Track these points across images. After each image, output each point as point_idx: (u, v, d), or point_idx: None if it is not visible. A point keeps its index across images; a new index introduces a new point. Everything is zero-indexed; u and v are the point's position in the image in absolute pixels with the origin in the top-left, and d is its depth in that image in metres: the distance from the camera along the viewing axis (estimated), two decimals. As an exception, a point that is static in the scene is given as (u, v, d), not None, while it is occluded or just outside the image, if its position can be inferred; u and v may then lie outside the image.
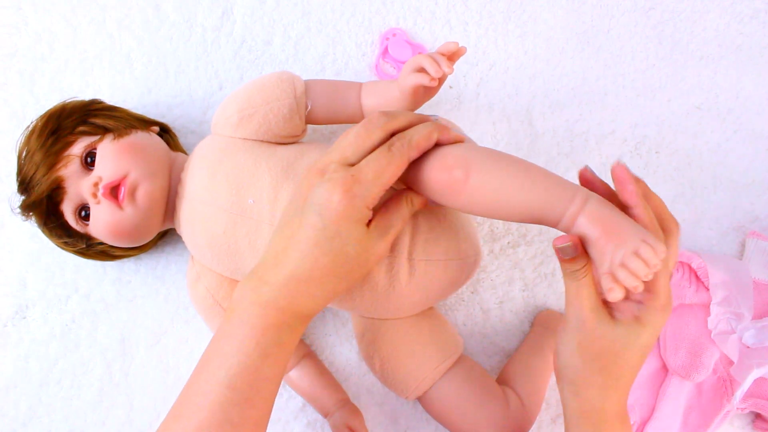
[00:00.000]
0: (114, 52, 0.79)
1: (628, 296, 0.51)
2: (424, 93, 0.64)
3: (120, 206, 0.62)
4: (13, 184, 0.68)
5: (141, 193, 0.63)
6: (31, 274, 0.75)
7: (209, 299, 0.67)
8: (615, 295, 0.48)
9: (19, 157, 0.66)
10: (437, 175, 0.54)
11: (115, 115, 0.68)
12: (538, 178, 0.52)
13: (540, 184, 0.52)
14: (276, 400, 0.74)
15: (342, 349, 0.76)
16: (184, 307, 0.75)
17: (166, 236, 0.76)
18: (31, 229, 0.76)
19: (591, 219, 0.50)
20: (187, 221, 0.65)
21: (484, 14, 0.82)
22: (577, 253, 0.50)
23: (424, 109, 0.77)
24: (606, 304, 0.53)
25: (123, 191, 0.62)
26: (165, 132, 0.73)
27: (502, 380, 0.72)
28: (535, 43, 0.81)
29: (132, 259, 0.76)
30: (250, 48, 0.79)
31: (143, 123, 0.70)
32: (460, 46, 0.62)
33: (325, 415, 0.72)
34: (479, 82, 0.80)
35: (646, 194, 0.53)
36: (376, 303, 0.64)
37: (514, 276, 0.77)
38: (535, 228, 0.78)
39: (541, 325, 0.76)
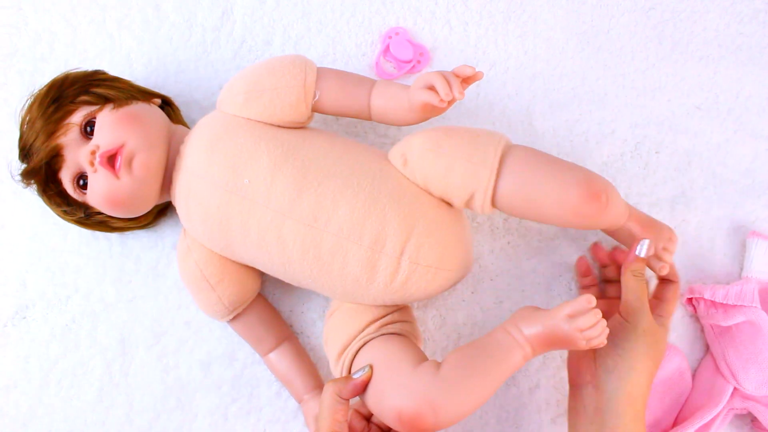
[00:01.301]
0: (114, 52, 0.79)
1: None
2: (432, 110, 0.64)
3: (116, 175, 0.63)
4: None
5: (137, 163, 0.63)
6: (31, 274, 0.75)
7: (198, 273, 0.67)
8: (665, 270, 0.68)
9: (21, 125, 0.67)
10: (583, 201, 0.61)
11: (117, 86, 0.69)
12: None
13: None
14: (275, 400, 0.74)
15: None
16: (185, 307, 0.75)
17: (166, 234, 0.76)
18: (31, 228, 0.76)
19: (638, 215, 0.69)
20: (182, 194, 0.65)
21: (484, 14, 0.81)
22: (649, 252, 0.66)
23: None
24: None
25: (119, 160, 0.63)
26: (167, 105, 0.74)
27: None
28: (535, 43, 0.81)
29: (132, 259, 0.76)
30: (250, 48, 0.79)
31: (145, 94, 0.70)
32: (477, 70, 0.61)
33: (299, 400, 0.72)
34: (479, 82, 0.80)
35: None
36: (353, 293, 0.64)
37: (513, 276, 0.77)
38: (534, 228, 0.78)
39: (512, 318, 0.62)
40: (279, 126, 0.66)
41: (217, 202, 0.63)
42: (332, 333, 0.66)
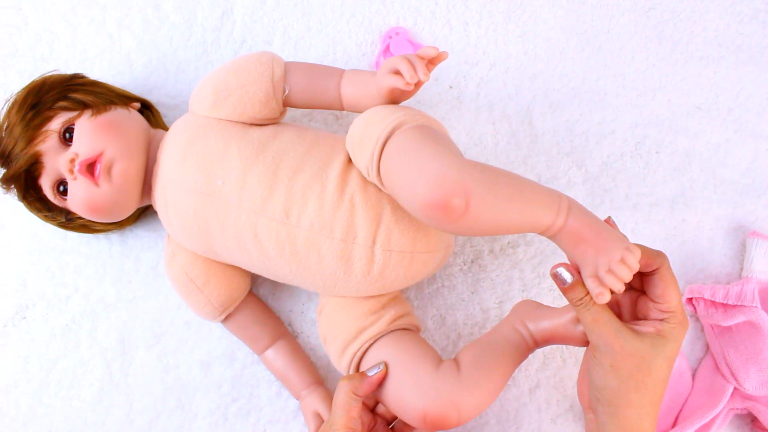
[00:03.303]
0: (114, 52, 0.79)
1: (645, 316, 0.57)
2: (401, 94, 0.64)
3: (96, 183, 0.63)
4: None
5: (117, 171, 0.64)
6: (31, 274, 0.75)
7: (183, 277, 0.68)
8: (604, 298, 0.53)
9: (0, 129, 0.66)
10: (432, 200, 0.51)
11: (96, 91, 0.68)
12: (529, 195, 0.54)
13: (531, 202, 0.53)
14: (275, 399, 0.74)
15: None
16: (185, 307, 0.75)
17: (166, 234, 0.76)
18: (31, 229, 0.76)
19: (577, 227, 0.53)
20: (160, 201, 0.66)
21: (484, 14, 0.81)
22: (573, 276, 0.55)
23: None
24: (624, 320, 0.57)
25: (99, 168, 0.63)
26: (147, 108, 0.74)
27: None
28: (535, 43, 0.81)
29: (132, 259, 0.76)
30: (250, 48, 0.79)
31: (124, 99, 0.70)
32: (440, 51, 0.61)
33: (297, 397, 0.72)
34: (479, 82, 0.80)
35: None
36: (335, 286, 0.64)
37: (513, 276, 0.77)
38: (535, 228, 0.78)
39: (515, 313, 0.65)
40: (251, 124, 0.67)
41: (194, 207, 0.63)
42: (330, 329, 0.67)
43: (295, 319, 0.76)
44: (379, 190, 0.62)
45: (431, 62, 0.61)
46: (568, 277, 0.55)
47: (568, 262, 0.57)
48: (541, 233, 0.55)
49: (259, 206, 0.62)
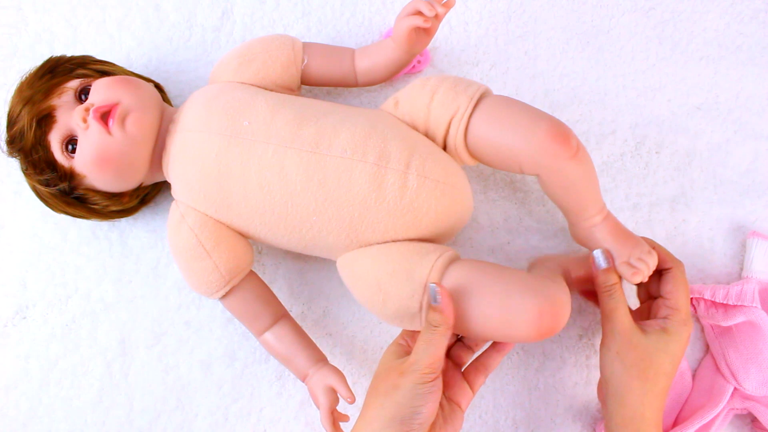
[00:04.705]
0: (114, 52, 0.79)
1: (655, 315, 0.66)
2: (418, 39, 0.68)
3: (108, 131, 0.63)
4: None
5: (131, 120, 0.64)
6: (31, 274, 0.75)
7: (192, 239, 0.65)
8: (638, 278, 0.63)
9: (12, 99, 0.66)
10: (556, 132, 0.61)
11: (111, 66, 0.72)
12: (596, 180, 0.65)
13: (597, 186, 0.65)
14: (275, 399, 0.74)
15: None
16: (185, 307, 0.75)
17: (166, 234, 0.76)
18: (31, 229, 0.76)
19: (615, 223, 0.66)
20: (178, 156, 0.65)
21: (484, 14, 0.81)
22: (608, 263, 0.64)
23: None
24: (635, 320, 0.65)
25: (113, 119, 0.63)
26: (159, 90, 0.74)
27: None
28: (536, 43, 0.81)
29: (132, 259, 0.76)
30: (250, 48, 0.80)
31: (138, 76, 0.73)
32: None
33: (304, 376, 0.68)
34: (479, 82, 0.80)
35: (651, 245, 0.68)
36: (362, 222, 0.63)
37: (514, 276, 0.77)
38: (534, 227, 0.78)
39: (551, 261, 0.70)
40: (272, 90, 0.69)
41: (216, 149, 0.63)
42: (378, 261, 0.63)
43: (295, 318, 0.76)
44: (409, 131, 0.65)
45: (444, 5, 0.66)
46: (603, 262, 0.64)
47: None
48: (588, 217, 0.64)
49: (289, 139, 0.63)
